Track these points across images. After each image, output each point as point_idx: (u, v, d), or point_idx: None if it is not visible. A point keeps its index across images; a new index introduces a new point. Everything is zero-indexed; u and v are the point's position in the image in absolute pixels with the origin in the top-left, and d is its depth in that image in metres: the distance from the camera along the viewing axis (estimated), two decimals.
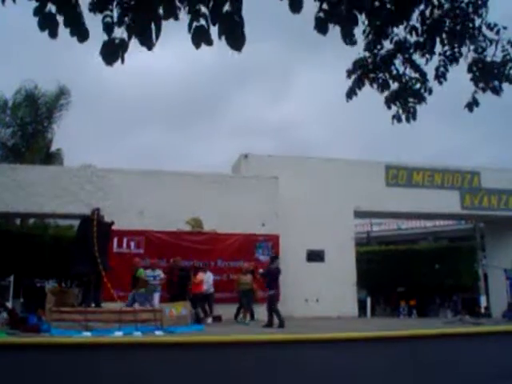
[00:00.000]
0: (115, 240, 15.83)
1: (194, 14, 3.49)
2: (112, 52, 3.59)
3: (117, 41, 3.59)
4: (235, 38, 3.49)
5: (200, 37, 3.51)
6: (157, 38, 3.55)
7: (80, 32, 3.66)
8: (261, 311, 15.44)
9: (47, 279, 22.40)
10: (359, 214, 20.76)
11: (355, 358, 9.27)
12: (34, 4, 3.62)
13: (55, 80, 25.24)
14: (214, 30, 3.54)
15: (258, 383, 8.62)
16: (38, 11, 3.61)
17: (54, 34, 3.66)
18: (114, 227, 14.00)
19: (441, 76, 5.88)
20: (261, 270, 14.97)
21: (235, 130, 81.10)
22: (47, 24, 3.62)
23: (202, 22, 3.49)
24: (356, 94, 6.06)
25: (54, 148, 25.05)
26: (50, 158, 24.48)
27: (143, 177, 17.30)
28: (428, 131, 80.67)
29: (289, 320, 14.68)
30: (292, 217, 17.78)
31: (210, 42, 3.54)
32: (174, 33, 3.76)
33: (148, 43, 3.55)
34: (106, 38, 3.61)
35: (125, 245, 16.30)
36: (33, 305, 15.87)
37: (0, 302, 16.38)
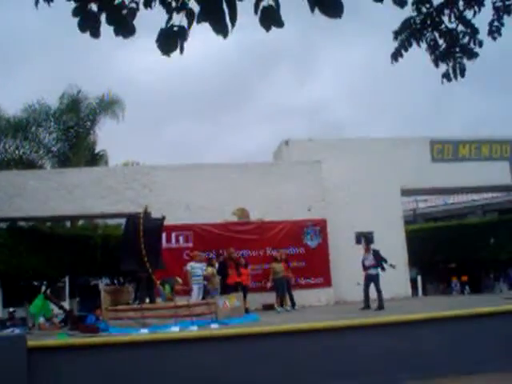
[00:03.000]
0: (163, 235, 15.92)
1: None
2: (170, 41, 3.28)
3: (175, 28, 3.27)
4: (331, 4, 3.06)
5: (269, 18, 3.16)
6: (232, 23, 3.12)
7: (126, 28, 3.40)
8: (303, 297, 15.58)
9: (100, 277, 22.92)
10: (406, 192, 20.32)
11: (413, 340, 9.11)
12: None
13: (107, 88, 24.85)
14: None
15: (319, 370, 8.57)
16: (79, 11, 3.35)
17: (96, 34, 3.43)
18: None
19: (495, 31, 5.60)
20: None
21: (266, 116, 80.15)
22: (89, 24, 3.37)
23: (271, 1, 3.11)
24: (402, 56, 5.84)
25: (98, 149, 25.38)
26: (95, 159, 24.82)
27: (186, 171, 17.37)
28: (464, 99, 78.28)
29: (341, 304, 14.60)
30: (338, 200, 17.59)
31: (280, 24, 3.17)
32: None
33: (223, 30, 3.15)
34: (163, 25, 3.28)
35: (174, 240, 16.46)
36: (88, 303, 16.23)
37: (58, 304, 16.89)
